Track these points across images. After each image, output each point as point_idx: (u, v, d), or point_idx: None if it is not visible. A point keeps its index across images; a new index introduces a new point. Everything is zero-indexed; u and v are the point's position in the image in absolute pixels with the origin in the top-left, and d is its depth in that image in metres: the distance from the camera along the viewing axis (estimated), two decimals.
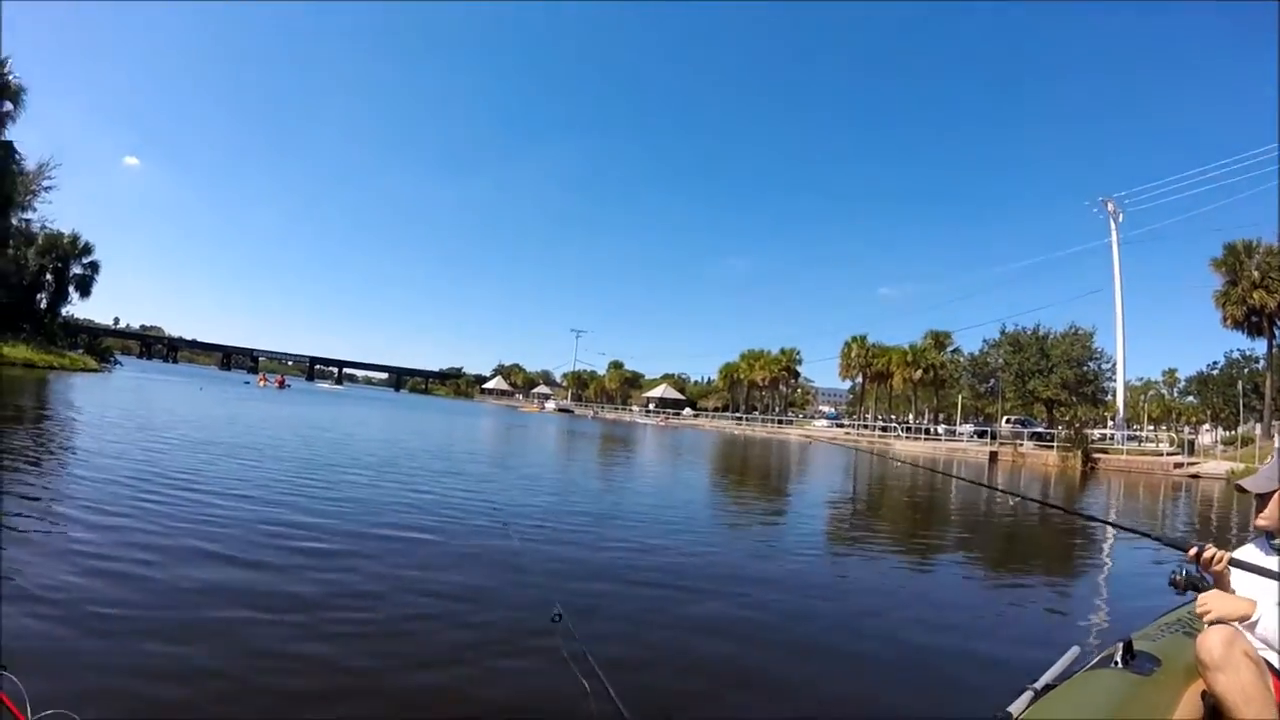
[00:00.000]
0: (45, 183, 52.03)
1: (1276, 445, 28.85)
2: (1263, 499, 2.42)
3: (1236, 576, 2.34)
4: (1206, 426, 52.47)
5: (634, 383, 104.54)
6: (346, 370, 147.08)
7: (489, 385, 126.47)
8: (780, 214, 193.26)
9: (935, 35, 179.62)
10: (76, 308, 63.82)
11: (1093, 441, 37.25)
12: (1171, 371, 76.91)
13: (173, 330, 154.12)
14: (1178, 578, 2.44)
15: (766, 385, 76.16)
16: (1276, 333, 41.27)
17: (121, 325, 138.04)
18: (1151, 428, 55.62)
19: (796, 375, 78.26)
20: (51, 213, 55.73)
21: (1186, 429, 52.07)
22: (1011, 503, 14.37)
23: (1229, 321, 41.76)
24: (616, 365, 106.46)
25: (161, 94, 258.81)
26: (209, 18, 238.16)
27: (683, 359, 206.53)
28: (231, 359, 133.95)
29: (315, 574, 5.44)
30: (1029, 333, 47.50)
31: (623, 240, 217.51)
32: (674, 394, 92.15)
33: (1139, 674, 2.33)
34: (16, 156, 46.87)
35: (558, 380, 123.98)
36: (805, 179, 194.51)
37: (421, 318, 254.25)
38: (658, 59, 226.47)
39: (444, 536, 7.32)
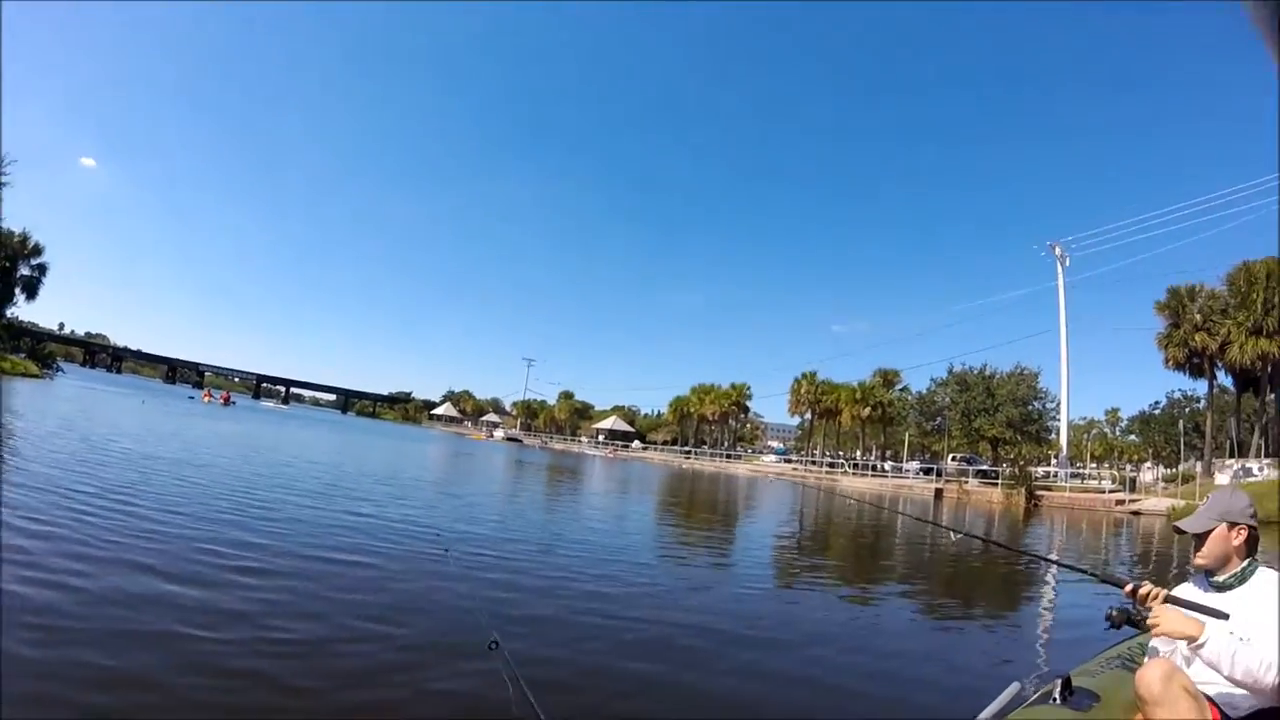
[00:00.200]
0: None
1: (1216, 486, 28.66)
2: (1200, 538, 2.43)
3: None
4: (1148, 464, 53.79)
5: (584, 414, 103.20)
6: (294, 390, 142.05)
7: (438, 411, 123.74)
8: (732, 249, 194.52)
9: (889, 80, 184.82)
10: (21, 310, 60.57)
11: (1036, 479, 37.63)
12: (1114, 410, 77.47)
13: (118, 339, 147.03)
14: (1114, 613, 2.38)
15: (716, 420, 75.58)
16: (1217, 374, 42.11)
17: (66, 331, 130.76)
18: (1094, 465, 56.78)
19: (746, 410, 78.05)
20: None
21: (1128, 467, 53.12)
22: (955, 537, 14.39)
23: (1171, 363, 42.56)
24: (567, 396, 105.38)
25: (124, 97, 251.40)
26: (176, 23, 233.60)
27: (633, 391, 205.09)
28: (177, 373, 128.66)
29: (251, 593, 5.43)
30: (976, 372, 48.09)
31: (575, 271, 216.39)
32: (624, 426, 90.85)
33: (1077, 710, 2.40)
34: None
35: (507, 409, 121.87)
36: (759, 215, 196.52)
37: (372, 340, 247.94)
38: (614, 94, 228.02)
39: (384, 560, 7.32)
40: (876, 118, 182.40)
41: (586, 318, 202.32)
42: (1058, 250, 46.54)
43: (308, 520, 9.05)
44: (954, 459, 48.47)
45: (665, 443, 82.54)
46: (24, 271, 56.47)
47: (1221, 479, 34.30)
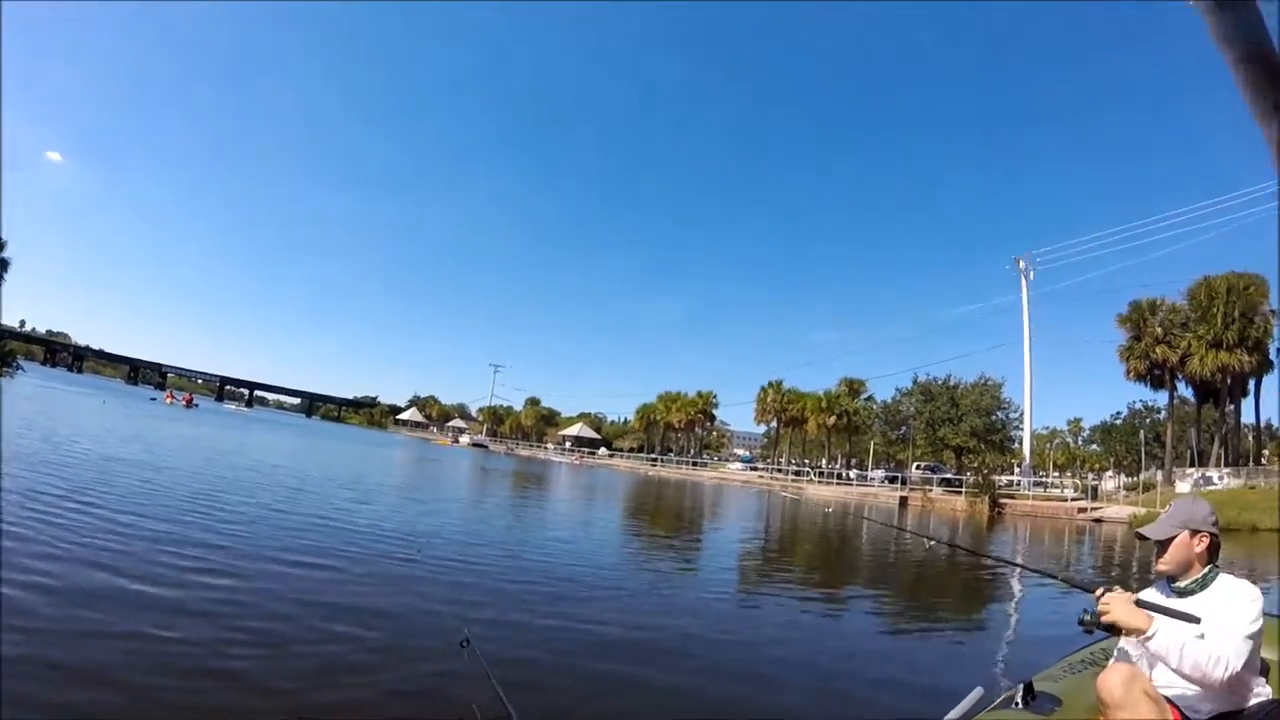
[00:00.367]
0: None
1: (1176, 494, 28.63)
2: (1163, 545, 2.49)
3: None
4: (1110, 473, 54.40)
5: (550, 420, 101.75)
6: (258, 393, 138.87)
7: (403, 416, 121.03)
8: (702, 259, 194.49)
9: (861, 94, 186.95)
10: None
11: (1000, 487, 37.60)
12: (1076, 421, 79.01)
13: (80, 338, 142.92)
14: (1086, 617, 2.39)
15: (682, 427, 75.03)
16: (1177, 386, 42.79)
17: (27, 329, 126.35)
18: (1057, 474, 57.34)
19: (713, 418, 77.43)
20: None
21: (1090, 475, 53.54)
22: (928, 545, 14.20)
23: (1132, 374, 43.26)
24: (533, 402, 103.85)
25: (94, 92, 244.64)
26: (147, 18, 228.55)
27: (599, 398, 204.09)
28: (139, 373, 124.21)
29: (217, 593, 5.45)
30: (940, 382, 48.20)
31: (542, 278, 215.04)
32: (590, 433, 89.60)
33: (1039, 714, 2.45)
34: None
35: (473, 414, 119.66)
36: (725, 227, 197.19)
37: (337, 344, 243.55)
38: (585, 101, 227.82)
39: (350, 563, 7.34)
40: (847, 131, 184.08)
41: (553, 325, 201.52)
42: (1022, 264, 46.79)
43: (272, 523, 9.13)
44: (919, 467, 48.46)
45: (632, 450, 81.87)
46: None
47: (1182, 487, 34.61)
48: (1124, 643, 2.46)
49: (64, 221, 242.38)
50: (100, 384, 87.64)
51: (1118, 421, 64.13)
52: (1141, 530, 2.59)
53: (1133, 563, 16.42)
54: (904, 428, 52.64)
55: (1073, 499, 36.27)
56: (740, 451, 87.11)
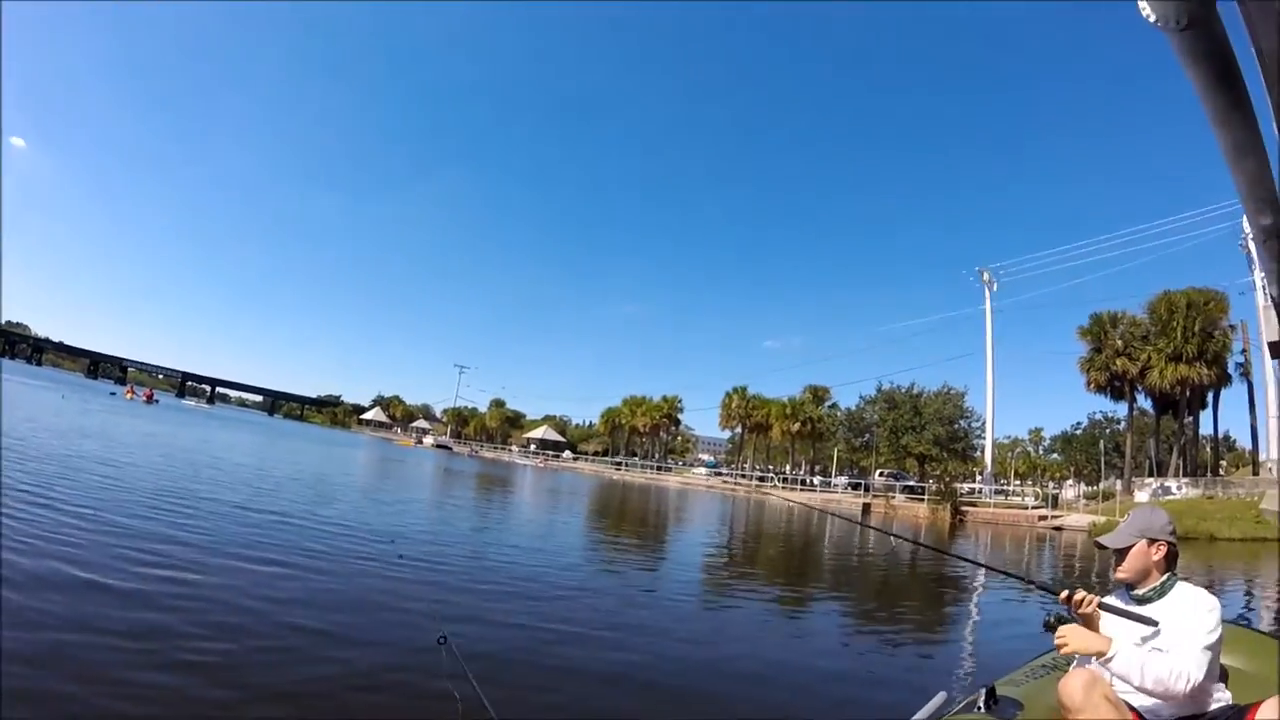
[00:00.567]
0: None
1: (1135, 503, 28.72)
2: (1121, 553, 2.53)
3: (1105, 620, 2.45)
4: (1070, 482, 55.36)
5: (515, 422, 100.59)
6: (220, 389, 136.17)
7: (367, 416, 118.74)
8: (666, 263, 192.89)
9: (830, 101, 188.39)
10: None
11: (962, 495, 37.97)
12: (1037, 430, 79.87)
13: (39, 329, 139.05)
14: (1050, 620, 2.41)
15: (647, 432, 74.33)
16: (1137, 398, 43.28)
17: None
18: (1018, 483, 57.90)
19: (678, 423, 77.09)
20: None
21: (1051, 484, 54.16)
22: (894, 543, 14.91)
23: (1093, 386, 43.78)
24: (498, 404, 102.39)
25: (63, 78, 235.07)
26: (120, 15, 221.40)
27: (565, 402, 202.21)
28: (99, 367, 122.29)
29: (184, 592, 5.37)
30: (904, 391, 48.39)
31: (507, 280, 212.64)
32: (555, 436, 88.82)
33: (1001, 719, 2.46)
34: None
35: (438, 415, 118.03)
36: (691, 231, 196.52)
37: (301, 341, 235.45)
38: (550, 104, 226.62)
39: (327, 563, 7.30)
40: (814, 138, 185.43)
41: (519, 327, 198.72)
42: (986, 276, 47.63)
43: (236, 521, 9.02)
44: (881, 475, 48.89)
45: (596, 453, 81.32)
46: None
47: (1141, 497, 34.98)
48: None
49: (26, 209, 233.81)
50: (59, 377, 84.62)
51: (1078, 432, 65.16)
52: (1100, 540, 2.65)
53: (1092, 570, 16.49)
54: (868, 435, 52.73)
55: (1033, 507, 36.62)
56: (705, 457, 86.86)
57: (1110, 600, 2.50)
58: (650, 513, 24.70)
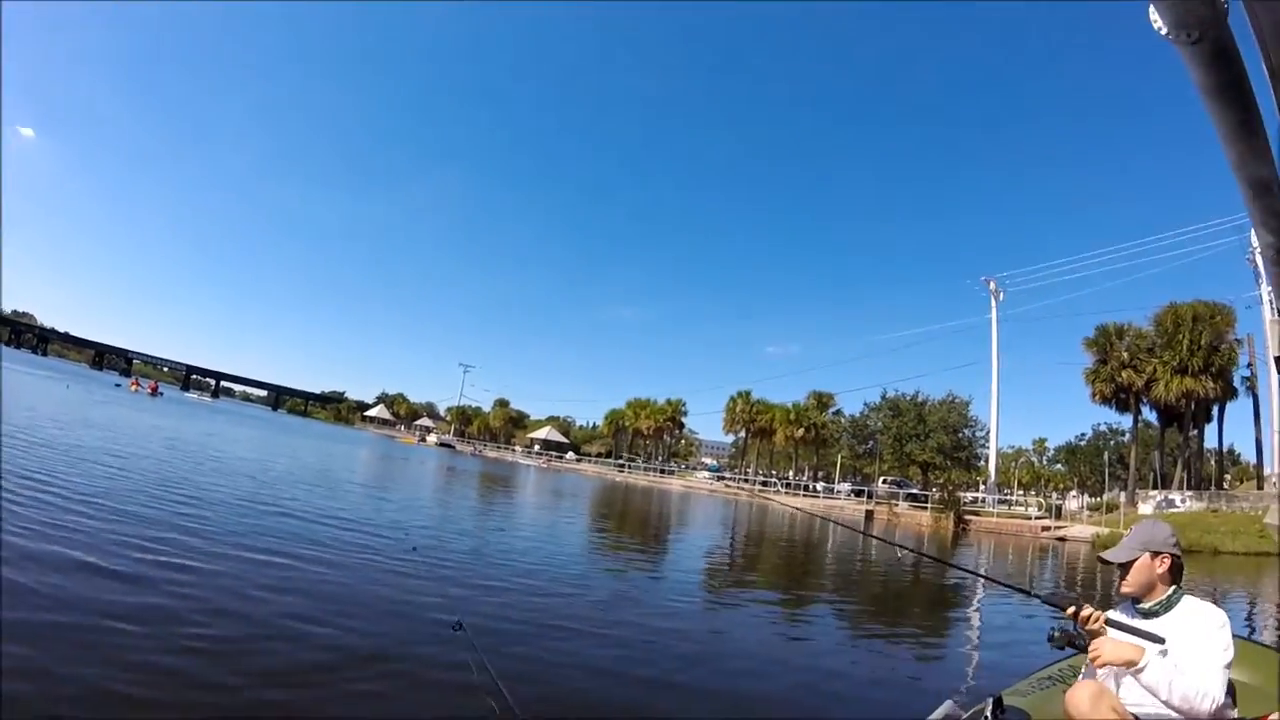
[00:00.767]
0: None
1: (1139, 515, 28.60)
2: (1125, 567, 2.51)
3: (1111, 635, 2.37)
4: (1073, 493, 55.36)
5: (519, 422, 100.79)
6: (224, 384, 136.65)
7: (371, 413, 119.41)
8: (673, 266, 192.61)
9: (838, 108, 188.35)
10: None
11: (965, 504, 37.75)
12: (1041, 441, 78.87)
13: (45, 319, 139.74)
14: (1055, 634, 2.40)
15: (651, 434, 74.68)
16: (1142, 409, 43.01)
17: None
18: (1021, 492, 57.54)
19: (681, 426, 77.42)
20: None
21: (1054, 495, 54.04)
22: (899, 554, 14.88)
23: (1098, 397, 43.55)
24: (502, 403, 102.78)
25: (73, 69, 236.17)
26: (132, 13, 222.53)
27: (568, 403, 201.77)
28: (104, 358, 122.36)
29: (190, 581, 5.44)
30: (908, 399, 48.31)
31: (512, 280, 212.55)
32: (558, 437, 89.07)
33: None
34: None
35: (441, 414, 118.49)
36: (697, 234, 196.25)
37: (306, 337, 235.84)
38: (556, 105, 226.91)
39: (337, 554, 7.53)
40: (822, 144, 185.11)
41: (524, 327, 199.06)
42: (992, 285, 47.26)
43: (241, 514, 9.10)
44: (885, 482, 48.65)
45: (600, 455, 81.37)
46: None
47: (1145, 509, 34.96)
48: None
49: (34, 199, 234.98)
50: (64, 367, 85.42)
51: (1082, 443, 65.06)
52: (1103, 555, 2.62)
53: (1095, 581, 16.37)
54: (871, 442, 52.81)
55: (1036, 517, 36.53)
56: (708, 460, 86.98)
57: (1116, 615, 2.47)
58: (653, 515, 24.86)
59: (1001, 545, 26.77)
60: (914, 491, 42.64)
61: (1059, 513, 38.00)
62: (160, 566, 5.71)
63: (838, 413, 61.38)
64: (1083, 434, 65.43)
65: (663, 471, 65.40)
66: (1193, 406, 39.44)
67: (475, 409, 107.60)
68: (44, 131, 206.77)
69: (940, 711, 2.82)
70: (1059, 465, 74.15)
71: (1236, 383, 40.99)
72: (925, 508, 36.82)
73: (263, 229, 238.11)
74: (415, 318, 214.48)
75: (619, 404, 78.92)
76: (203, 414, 44.78)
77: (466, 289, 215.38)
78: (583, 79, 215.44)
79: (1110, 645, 2.25)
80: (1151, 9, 1.07)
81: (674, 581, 10.11)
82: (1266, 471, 38.28)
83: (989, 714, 2.47)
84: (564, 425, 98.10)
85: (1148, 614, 2.42)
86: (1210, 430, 44.14)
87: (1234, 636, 2.37)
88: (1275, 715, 2.01)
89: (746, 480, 58.60)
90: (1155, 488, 39.95)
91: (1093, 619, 2.36)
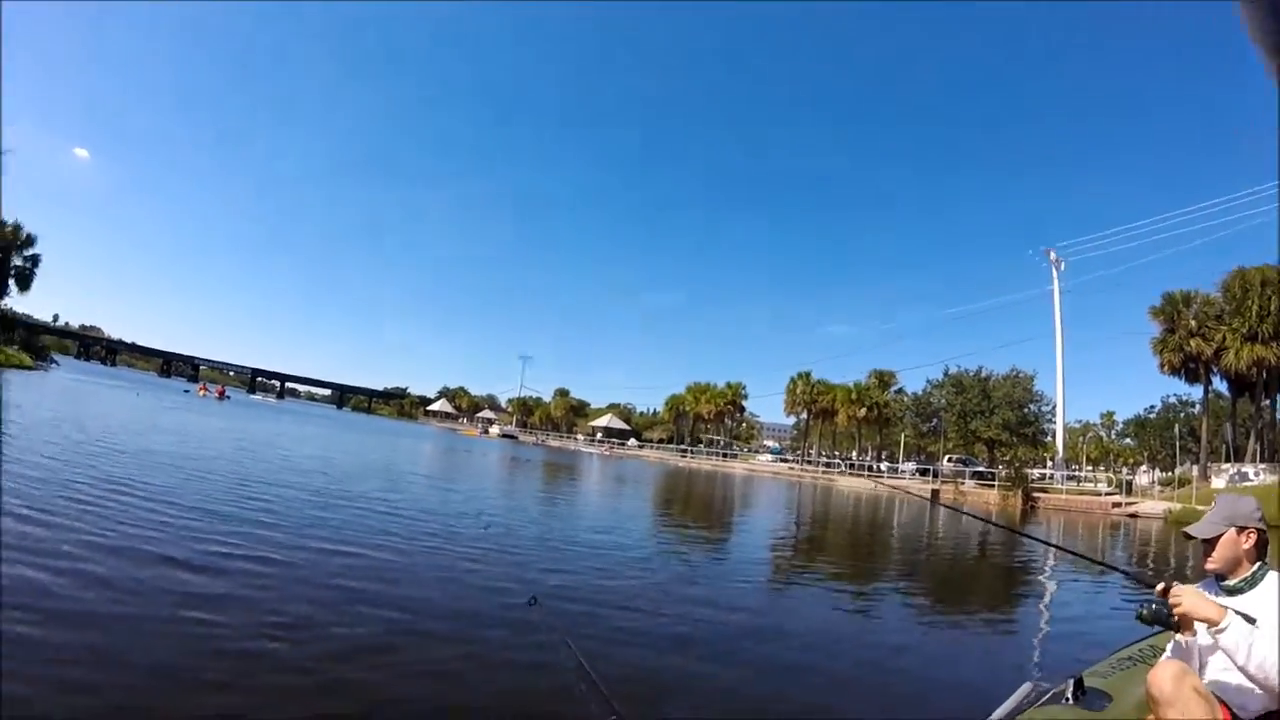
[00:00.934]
0: None
1: (1212, 489, 28.54)
2: (1209, 543, 2.44)
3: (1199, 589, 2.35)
4: (1144, 468, 53.57)
5: (579, 411, 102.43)
6: (289, 385, 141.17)
7: (433, 407, 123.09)
8: (728, 248, 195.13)
9: (892, 84, 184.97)
10: (14, 302, 58.72)
11: (1032, 481, 37.54)
12: (1109, 414, 76.84)
13: (112, 332, 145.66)
14: (1145, 612, 2.35)
15: (712, 418, 75.22)
16: (1212, 380, 42.04)
17: (60, 323, 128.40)
18: (1090, 468, 56.58)
19: (742, 409, 77.62)
20: None
21: (1124, 470, 52.79)
22: (982, 527, 15.17)
23: (1166, 368, 42.52)
24: (562, 393, 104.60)
25: (119, 89, 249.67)
26: (177, 21, 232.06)
27: (628, 390, 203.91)
28: (172, 366, 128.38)
29: (272, 571, 5.74)
30: (971, 375, 47.90)
31: (571, 270, 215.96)
32: (619, 424, 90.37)
33: (1089, 710, 2.42)
34: None
35: (503, 405, 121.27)
36: (757, 217, 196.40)
37: (368, 335, 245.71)
38: (613, 94, 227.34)
39: (406, 542, 7.97)
40: (876, 123, 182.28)
41: (582, 316, 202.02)
42: (1053, 256, 46.83)
43: (313, 508, 9.45)
44: (950, 460, 48.39)
45: (661, 441, 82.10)
46: (16, 263, 55.29)
47: (1218, 483, 34.40)
48: (1176, 640, 2.45)
49: (94, 217, 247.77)
50: (133, 377, 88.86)
51: (1151, 415, 63.27)
52: (1188, 530, 2.56)
53: (1169, 557, 16.59)
54: (935, 420, 52.33)
55: (1107, 493, 36.08)
56: (770, 443, 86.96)
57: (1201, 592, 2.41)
58: (716, 498, 25.18)
59: (1071, 523, 26.60)
60: (980, 469, 42.44)
61: (1129, 488, 37.51)
62: (237, 559, 5.94)
63: (900, 391, 60.71)
64: (1152, 406, 63.80)
65: (725, 455, 66.02)
66: (1264, 375, 38.58)
67: (536, 399, 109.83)
68: (99, 151, 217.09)
69: (1020, 692, 2.80)
70: (1128, 439, 72.03)
71: None
72: (992, 485, 36.68)
73: (322, 235, 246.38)
74: (475, 313, 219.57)
75: (679, 389, 79.32)
76: (269, 415, 46.44)
77: (524, 283, 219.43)
78: (638, 62, 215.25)
79: (1192, 594, 2.24)
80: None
81: (738, 562, 10.35)
82: None
83: (1070, 695, 2.47)
84: (625, 412, 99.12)
85: (1232, 591, 2.38)
86: None
87: None
88: None
89: (809, 462, 58.82)
90: (1228, 461, 39.15)
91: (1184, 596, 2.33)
